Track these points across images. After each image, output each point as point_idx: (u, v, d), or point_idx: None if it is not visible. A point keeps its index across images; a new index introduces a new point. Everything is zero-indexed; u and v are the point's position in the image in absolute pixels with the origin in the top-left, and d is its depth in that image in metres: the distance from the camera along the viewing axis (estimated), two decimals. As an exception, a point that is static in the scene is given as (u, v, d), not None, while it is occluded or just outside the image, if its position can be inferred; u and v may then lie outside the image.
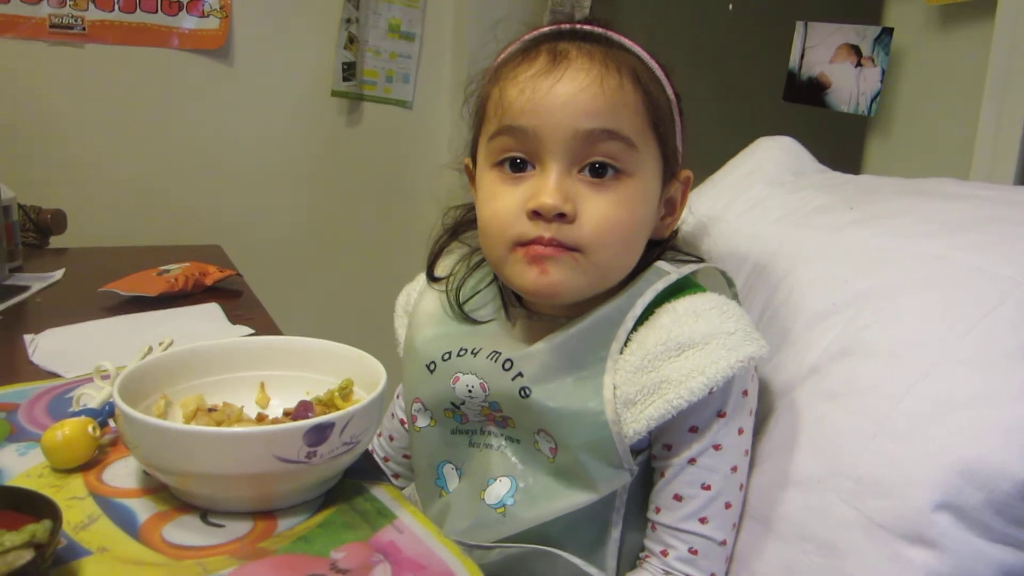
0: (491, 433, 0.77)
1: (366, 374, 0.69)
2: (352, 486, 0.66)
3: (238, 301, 1.17)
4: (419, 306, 0.84)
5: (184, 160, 1.89)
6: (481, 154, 0.76)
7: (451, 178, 2.06)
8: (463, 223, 0.84)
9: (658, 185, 0.75)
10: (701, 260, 0.80)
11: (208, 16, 1.87)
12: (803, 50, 1.40)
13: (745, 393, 0.73)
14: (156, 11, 1.82)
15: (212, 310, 1.09)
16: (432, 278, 0.84)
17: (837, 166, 1.07)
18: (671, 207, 0.79)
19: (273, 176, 1.99)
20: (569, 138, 0.69)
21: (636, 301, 0.72)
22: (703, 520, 0.71)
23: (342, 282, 2.09)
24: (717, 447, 0.72)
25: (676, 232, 0.82)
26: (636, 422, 0.69)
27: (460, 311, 0.80)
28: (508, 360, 0.73)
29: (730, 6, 1.84)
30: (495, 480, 0.75)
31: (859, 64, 1.34)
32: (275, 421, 0.69)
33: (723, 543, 0.73)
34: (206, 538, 0.59)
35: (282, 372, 0.74)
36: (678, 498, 0.72)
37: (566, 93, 0.69)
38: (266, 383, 0.74)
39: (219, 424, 0.67)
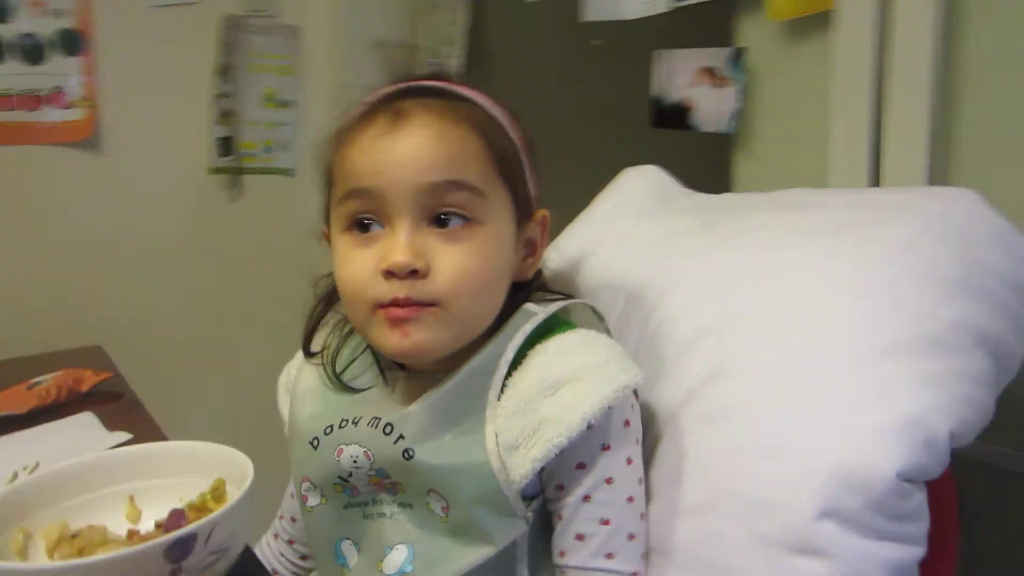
0: (383, 502, 0.75)
1: (236, 471, 0.66)
2: (234, 594, 0.63)
3: (117, 405, 1.12)
4: (299, 383, 0.83)
5: (57, 259, 1.81)
6: (333, 218, 0.76)
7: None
8: (335, 291, 0.83)
9: (512, 229, 0.76)
10: (569, 297, 0.81)
11: (72, 108, 1.82)
12: (664, 77, 1.44)
13: (627, 423, 0.73)
14: (12, 108, 1.76)
15: (86, 419, 1.04)
16: (308, 353, 0.83)
17: (711, 185, 1.09)
18: (531, 248, 0.79)
19: (154, 264, 1.92)
20: (413, 193, 0.70)
21: (507, 346, 0.72)
22: (609, 556, 0.71)
23: (238, 367, 2.02)
24: (609, 480, 0.71)
25: (540, 272, 0.83)
26: (521, 466, 0.69)
27: (338, 381, 0.79)
28: (388, 424, 0.73)
29: (594, 42, 1.89)
30: (392, 549, 0.73)
31: (717, 85, 1.38)
32: (146, 536, 0.66)
33: (634, 575, 0.72)
34: None
35: (152, 481, 0.71)
36: (580, 537, 0.71)
37: (407, 150, 0.70)
38: (136, 496, 0.71)
39: (81, 551, 0.63)
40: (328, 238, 0.80)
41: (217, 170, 1.98)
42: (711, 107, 1.38)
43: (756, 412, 0.72)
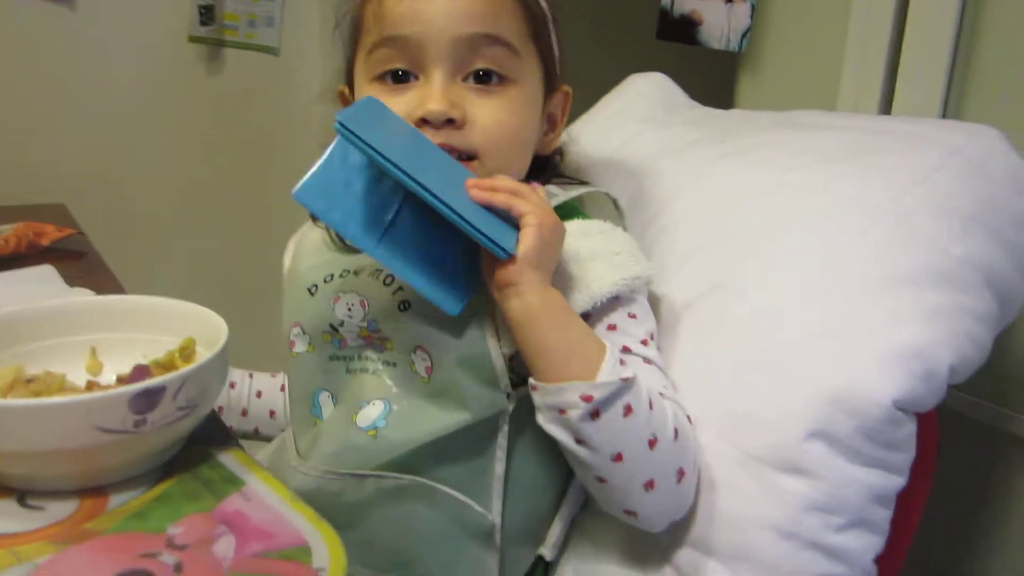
0: (368, 358, 0.73)
1: (209, 331, 0.62)
2: (196, 453, 0.60)
3: (80, 263, 1.07)
4: (304, 240, 0.83)
5: (23, 113, 1.73)
6: (359, 71, 0.75)
7: (328, 129, 1.96)
8: None
9: (541, 95, 0.75)
10: (589, 184, 0.80)
11: (46, -42, 1.71)
12: (675, -13, 1.38)
13: (632, 316, 0.71)
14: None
15: (46, 272, 0.99)
16: (315, 217, 0.80)
17: (710, 103, 1.06)
18: (552, 122, 0.79)
19: (126, 128, 1.85)
20: (451, 43, 0.69)
21: None
22: (664, 387, 0.68)
23: (205, 239, 1.97)
24: (645, 342, 0.71)
25: (561, 153, 0.82)
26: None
27: (341, 242, 0.78)
28: (390, 276, 0.72)
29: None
30: (368, 403, 0.71)
31: (730, 1, 1.33)
32: (106, 389, 0.62)
33: (689, 417, 0.69)
34: (22, 523, 0.52)
35: (116, 335, 0.67)
36: (613, 328, 0.70)
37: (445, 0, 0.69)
38: (97, 348, 0.67)
39: (38, 395, 0.59)
40: (344, 98, 0.79)
41: (197, 39, 1.89)
42: (721, 23, 1.33)
43: (753, 328, 0.70)
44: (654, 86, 1.05)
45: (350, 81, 0.78)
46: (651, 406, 0.63)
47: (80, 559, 0.48)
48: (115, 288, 0.96)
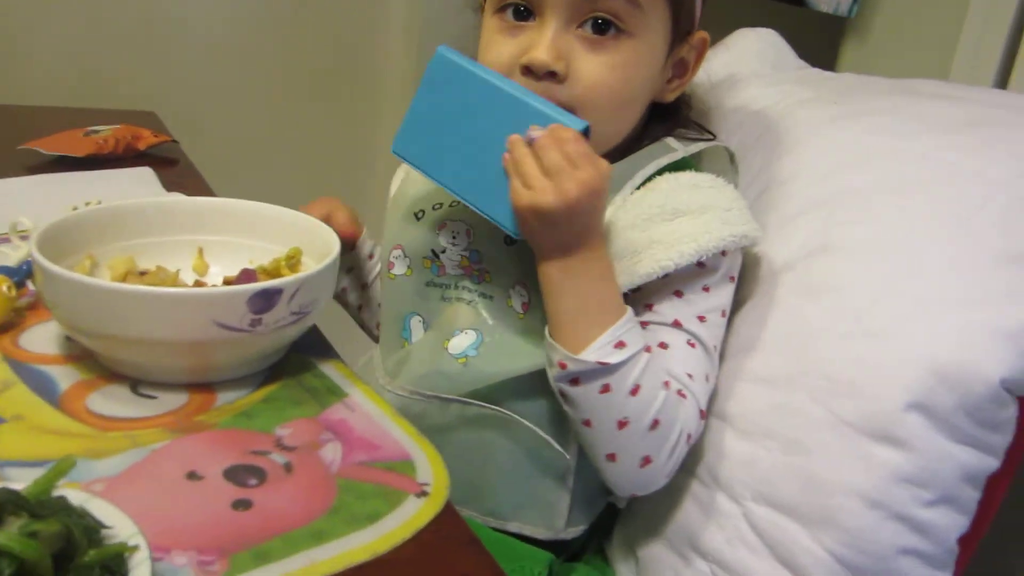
0: (465, 288, 0.73)
1: (317, 243, 0.63)
2: (300, 361, 0.61)
3: (174, 169, 1.08)
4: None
5: (117, 23, 1.74)
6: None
7: (409, 41, 1.92)
8: None
9: (664, 47, 0.73)
10: (712, 138, 0.79)
11: None
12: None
13: (732, 279, 0.71)
14: None
15: (145, 175, 1.00)
16: None
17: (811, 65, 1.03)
18: (681, 69, 0.77)
19: (214, 41, 1.85)
20: None
21: (636, 172, 0.71)
22: (689, 375, 0.68)
23: (293, 156, 1.98)
24: (702, 319, 0.70)
25: (685, 101, 0.80)
26: (620, 276, 0.67)
27: None
28: None
29: None
30: (461, 332, 0.72)
31: (843, -38, 1.28)
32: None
33: (701, 412, 0.69)
34: (136, 409, 0.54)
35: (224, 238, 0.68)
36: (664, 346, 0.69)
37: None
38: (205, 249, 0.68)
39: (152, 287, 0.60)
40: (483, 9, 0.77)
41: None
42: (834, -14, 1.28)
43: (859, 292, 0.68)
44: (764, 42, 1.01)
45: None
46: (635, 391, 0.63)
47: (195, 448, 0.49)
48: (208, 195, 0.97)
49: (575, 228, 0.63)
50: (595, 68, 0.68)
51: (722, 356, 0.74)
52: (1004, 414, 0.65)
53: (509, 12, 0.70)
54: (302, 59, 1.96)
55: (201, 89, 1.85)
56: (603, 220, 0.65)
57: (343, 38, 1.99)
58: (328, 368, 0.60)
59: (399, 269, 0.76)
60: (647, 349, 0.65)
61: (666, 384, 0.65)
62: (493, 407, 0.70)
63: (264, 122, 1.94)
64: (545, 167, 0.61)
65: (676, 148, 0.74)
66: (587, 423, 0.65)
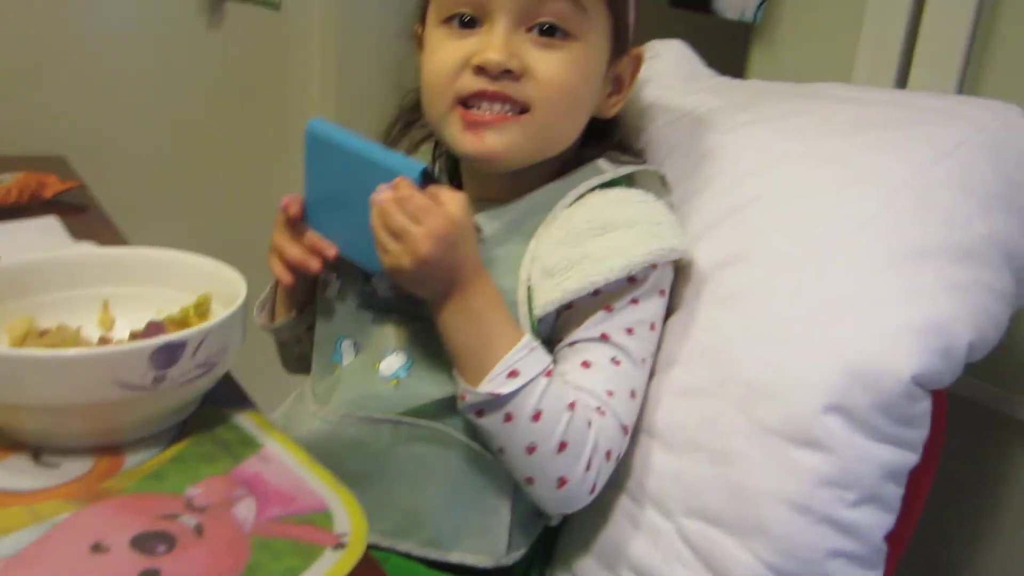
0: (396, 310, 0.73)
1: (226, 288, 0.61)
2: (212, 413, 0.59)
3: (83, 216, 1.05)
4: None
5: (20, 61, 1.69)
6: (430, 11, 0.74)
7: (326, 86, 1.91)
8: (416, 107, 0.81)
9: (606, 57, 0.74)
10: (643, 162, 0.80)
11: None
12: (690, -46, 1.36)
13: (662, 292, 0.72)
14: None
15: (50, 224, 0.97)
16: None
17: (721, 74, 1.05)
18: (618, 85, 0.78)
19: (125, 80, 1.81)
20: None
21: (568, 191, 0.72)
22: (610, 393, 0.69)
23: (204, 195, 1.94)
24: (630, 331, 0.70)
25: (618, 123, 0.82)
26: (551, 292, 0.68)
27: None
28: None
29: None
30: (392, 353, 0.72)
31: (746, -31, 1.30)
32: (120, 345, 0.61)
33: (624, 428, 0.69)
34: (38, 480, 0.51)
35: (130, 288, 0.66)
36: (586, 364, 0.69)
37: None
38: (110, 302, 0.66)
39: (52, 348, 0.58)
40: (420, 39, 0.78)
41: (198, -10, 1.85)
42: (738, -7, 1.31)
43: (773, 298, 0.69)
44: (674, 53, 1.03)
45: (423, 21, 0.77)
46: (537, 417, 0.64)
47: (99, 518, 0.47)
48: (119, 242, 0.95)
49: (442, 274, 0.64)
50: (551, 64, 0.69)
51: (651, 370, 0.75)
52: (918, 409, 0.66)
53: (455, 22, 0.71)
54: (218, 98, 1.93)
55: (112, 130, 1.80)
56: (472, 251, 0.66)
57: (259, 78, 1.97)
58: (242, 419, 0.59)
59: (331, 292, 0.76)
60: (547, 373, 0.65)
61: (571, 405, 0.66)
62: (427, 422, 0.70)
63: (179, 162, 1.90)
64: (393, 231, 0.62)
65: (606, 169, 0.75)
66: (500, 450, 0.67)
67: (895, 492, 0.68)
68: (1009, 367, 0.97)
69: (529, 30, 0.69)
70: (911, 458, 0.68)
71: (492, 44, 0.68)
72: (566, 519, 0.77)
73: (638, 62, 0.78)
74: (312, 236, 0.72)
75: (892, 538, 0.69)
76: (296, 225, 0.73)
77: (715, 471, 0.68)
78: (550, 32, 0.69)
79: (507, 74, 0.68)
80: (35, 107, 1.70)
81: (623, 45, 0.76)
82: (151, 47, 1.83)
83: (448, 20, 0.71)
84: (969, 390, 0.98)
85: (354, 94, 1.88)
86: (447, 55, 0.71)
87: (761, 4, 1.27)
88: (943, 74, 1.05)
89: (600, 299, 0.69)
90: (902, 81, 1.10)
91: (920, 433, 0.68)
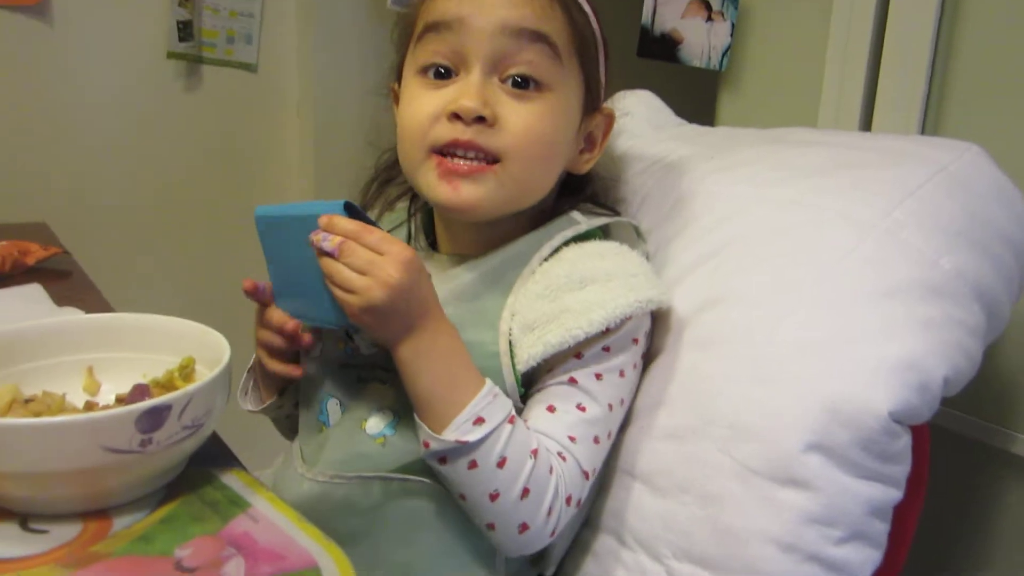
0: (379, 368, 0.74)
1: (209, 351, 0.62)
2: (199, 475, 0.59)
3: (66, 282, 1.06)
4: None
5: (1, 129, 1.71)
6: (407, 65, 0.76)
7: (304, 144, 1.94)
8: (394, 165, 0.82)
9: (579, 111, 0.76)
10: (616, 214, 0.81)
11: (19, -30, 1.69)
12: (655, 6, 1.40)
13: (635, 341, 0.73)
14: (-44, -35, 1.63)
15: (34, 291, 0.97)
16: None
17: (692, 120, 1.07)
18: (591, 143, 0.79)
19: (105, 144, 1.83)
20: (497, 31, 0.69)
21: (544, 244, 0.73)
22: (572, 438, 0.69)
23: (186, 257, 1.95)
24: (599, 376, 0.71)
25: (591, 178, 0.82)
26: (532, 346, 0.69)
27: None
28: None
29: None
30: (378, 412, 0.72)
31: (710, 19, 1.34)
32: (106, 409, 0.61)
33: (585, 474, 0.69)
34: (25, 547, 0.51)
35: (113, 354, 0.66)
36: (552, 409, 0.70)
37: None
38: (95, 367, 0.66)
39: (37, 416, 0.58)
40: (396, 94, 0.80)
41: (175, 55, 1.88)
42: (701, 41, 1.35)
43: (750, 340, 0.71)
44: (642, 103, 1.05)
45: (399, 79, 0.78)
46: (502, 463, 0.64)
47: (88, 583, 0.47)
48: (103, 307, 0.95)
49: (412, 306, 0.64)
50: (522, 115, 0.70)
51: (632, 416, 0.76)
52: (897, 445, 0.67)
53: (431, 72, 0.72)
54: (197, 161, 1.95)
55: (93, 195, 1.82)
56: (432, 289, 0.67)
57: (238, 140, 1.99)
58: (229, 478, 0.59)
59: (315, 352, 0.76)
60: (510, 420, 0.66)
61: (534, 452, 0.66)
62: (416, 478, 0.70)
63: (160, 225, 1.92)
64: (359, 267, 0.62)
65: (581, 221, 0.76)
66: (462, 496, 0.67)
67: (881, 528, 0.68)
68: (991, 399, 0.98)
69: (503, 80, 0.71)
70: (894, 494, 0.69)
71: (466, 92, 0.69)
72: (559, 566, 0.77)
73: (610, 121, 0.80)
74: (275, 316, 0.72)
75: (880, 574, 0.70)
76: (269, 310, 0.74)
77: (703, 512, 0.69)
78: (524, 85, 0.71)
79: (480, 121, 0.69)
80: (15, 174, 1.71)
81: (595, 102, 0.78)
82: (129, 112, 1.85)
83: (424, 71, 0.73)
84: (953, 423, 0.99)
85: (332, 153, 1.91)
86: (423, 105, 0.72)
87: (726, 52, 1.31)
88: (905, 113, 1.08)
89: (572, 347, 0.69)
90: (867, 120, 1.13)
91: (902, 469, 0.69)
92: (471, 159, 0.70)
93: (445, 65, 0.72)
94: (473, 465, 0.64)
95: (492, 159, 0.70)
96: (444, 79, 0.72)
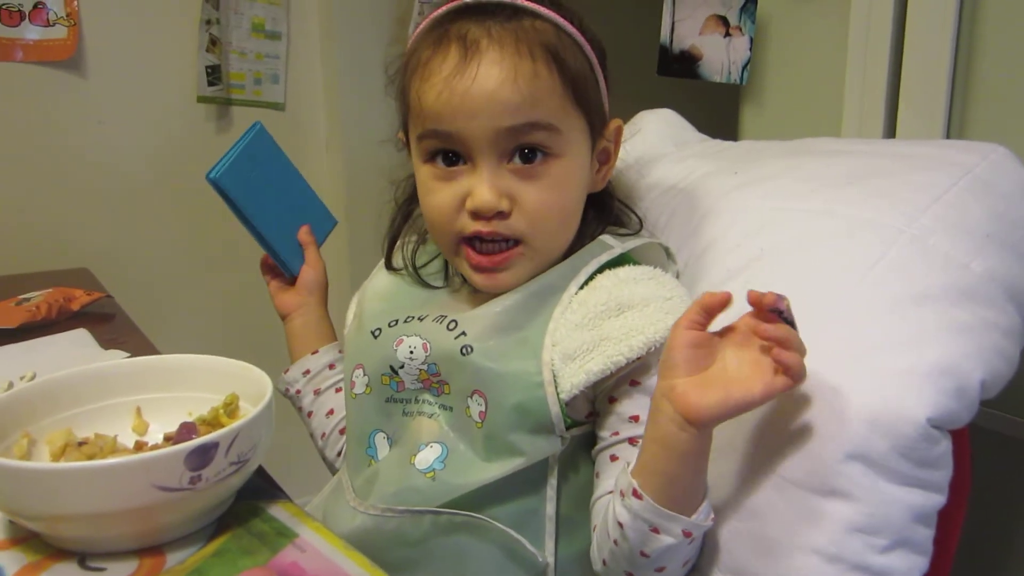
0: (425, 401, 0.76)
1: (251, 387, 0.64)
2: (246, 508, 0.61)
3: (110, 325, 1.09)
4: (368, 287, 0.86)
5: (42, 180, 1.75)
6: (412, 148, 0.78)
7: (335, 180, 1.97)
8: (414, 196, 0.84)
9: (587, 153, 0.77)
10: (645, 234, 0.83)
11: (54, 25, 1.74)
12: (672, 24, 1.40)
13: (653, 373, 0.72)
14: (-6, 23, 1.69)
15: (80, 336, 1.01)
16: (390, 267, 0.86)
17: (715, 135, 1.08)
18: (604, 157, 0.81)
19: (141, 191, 1.87)
20: (493, 136, 0.70)
21: (580, 270, 0.75)
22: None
23: (223, 297, 1.99)
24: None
25: (613, 194, 0.84)
26: (575, 376, 0.70)
27: (416, 274, 0.83)
28: (453, 321, 0.75)
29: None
30: (426, 446, 0.74)
31: (728, 34, 1.35)
32: (155, 448, 0.63)
33: None
34: (85, 585, 0.53)
35: (160, 394, 0.68)
36: (614, 459, 0.71)
37: (482, 94, 0.69)
38: (143, 408, 0.68)
39: (91, 458, 0.60)
40: (406, 143, 0.81)
41: (205, 99, 1.92)
42: (721, 57, 1.35)
43: (783, 354, 0.71)
44: (663, 122, 1.06)
45: (405, 128, 0.80)
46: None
47: (147, 618, 0.49)
48: (147, 348, 0.98)
49: None
50: (535, 196, 0.72)
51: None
52: (937, 450, 0.67)
53: (439, 159, 0.74)
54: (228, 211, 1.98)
55: (132, 240, 1.86)
56: None
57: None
58: (276, 510, 0.61)
59: (359, 388, 0.78)
60: None
61: None
62: (465, 513, 0.71)
63: (197, 266, 1.95)
64: (788, 363, 0.61)
65: (613, 245, 0.77)
66: (661, 569, 0.67)
67: (925, 534, 0.68)
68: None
69: (511, 160, 0.72)
70: (938, 499, 0.68)
71: (480, 187, 0.71)
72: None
73: (619, 132, 0.81)
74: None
75: (928, 582, 0.69)
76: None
77: (745, 527, 0.69)
78: (530, 157, 0.72)
79: (499, 214, 0.72)
80: (57, 223, 1.76)
81: (601, 125, 0.78)
82: (163, 156, 1.89)
83: (432, 158, 0.74)
84: (996, 423, 0.98)
85: (363, 188, 1.93)
86: (442, 199, 0.74)
87: (746, 65, 1.31)
88: (929, 117, 1.07)
89: (626, 377, 0.71)
90: (891, 126, 1.13)
91: (944, 474, 0.68)
92: (497, 243, 0.73)
93: (453, 151, 0.73)
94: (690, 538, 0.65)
95: (515, 243, 0.73)
96: (454, 164, 0.73)
